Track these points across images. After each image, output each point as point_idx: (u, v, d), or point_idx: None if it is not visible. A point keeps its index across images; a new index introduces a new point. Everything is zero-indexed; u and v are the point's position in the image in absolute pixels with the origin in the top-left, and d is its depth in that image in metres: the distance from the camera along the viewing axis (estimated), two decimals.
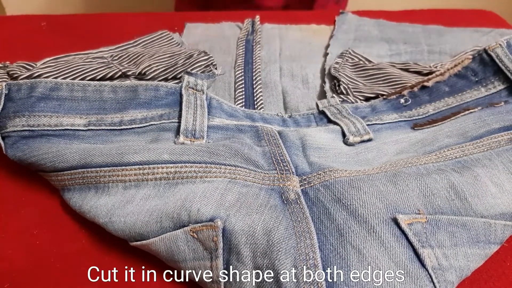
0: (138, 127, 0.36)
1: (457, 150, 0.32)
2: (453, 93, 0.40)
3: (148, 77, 0.44)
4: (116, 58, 0.47)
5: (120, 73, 0.43)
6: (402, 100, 0.41)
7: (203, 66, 0.44)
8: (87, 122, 0.35)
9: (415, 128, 0.38)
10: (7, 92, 0.34)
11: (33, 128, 0.34)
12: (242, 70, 0.48)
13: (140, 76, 0.44)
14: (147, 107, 0.36)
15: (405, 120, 0.39)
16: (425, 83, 0.41)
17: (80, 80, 0.42)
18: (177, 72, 0.44)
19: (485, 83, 0.39)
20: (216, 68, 0.45)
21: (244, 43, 0.53)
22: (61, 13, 0.61)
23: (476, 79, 0.40)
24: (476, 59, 0.40)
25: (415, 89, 0.41)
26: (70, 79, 0.41)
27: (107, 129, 0.35)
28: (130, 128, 0.36)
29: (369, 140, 0.37)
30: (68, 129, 0.35)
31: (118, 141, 0.35)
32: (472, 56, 0.40)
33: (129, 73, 0.44)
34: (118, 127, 0.36)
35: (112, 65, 0.45)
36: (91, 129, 0.35)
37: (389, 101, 0.41)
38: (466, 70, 0.40)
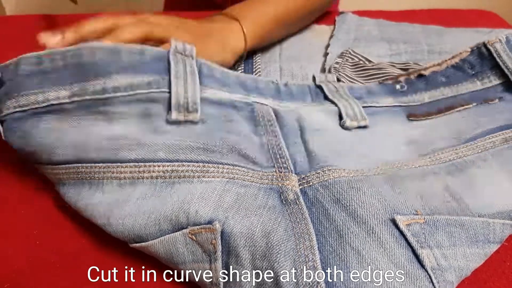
0: (123, 95, 0.33)
1: (451, 152, 0.33)
2: (449, 83, 0.40)
3: None
4: None
5: None
6: (398, 86, 0.40)
7: None
8: (70, 93, 0.32)
9: (411, 119, 0.38)
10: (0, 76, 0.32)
11: (24, 108, 0.32)
12: (242, 70, 0.48)
13: None
14: (132, 72, 0.33)
15: (400, 106, 0.39)
16: (422, 72, 0.40)
17: None
18: None
19: (481, 77, 0.39)
20: None
21: None
22: (61, 13, 0.61)
23: (473, 72, 0.40)
24: (474, 52, 0.40)
25: (412, 76, 0.41)
26: None
27: (91, 99, 0.32)
28: (115, 97, 0.32)
29: (365, 126, 0.36)
30: (53, 104, 0.32)
31: (105, 112, 0.33)
32: (471, 49, 0.40)
33: None
34: (102, 95, 0.32)
35: None
36: (75, 101, 0.32)
37: (384, 85, 0.41)
38: (464, 62, 0.40)
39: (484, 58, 0.39)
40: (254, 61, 0.49)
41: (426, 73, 0.40)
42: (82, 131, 0.32)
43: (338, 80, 0.44)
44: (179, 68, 0.34)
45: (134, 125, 0.33)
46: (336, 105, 0.38)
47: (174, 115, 0.32)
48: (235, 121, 0.34)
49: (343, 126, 0.36)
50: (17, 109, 0.32)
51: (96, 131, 0.32)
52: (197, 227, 0.27)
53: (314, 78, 0.41)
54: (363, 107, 0.38)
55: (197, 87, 0.33)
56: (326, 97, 0.39)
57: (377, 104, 0.39)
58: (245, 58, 0.48)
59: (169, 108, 0.32)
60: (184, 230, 0.27)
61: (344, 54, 0.50)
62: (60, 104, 0.32)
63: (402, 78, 0.41)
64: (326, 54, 0.51)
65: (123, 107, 0.32)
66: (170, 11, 0.75)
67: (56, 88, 0.32)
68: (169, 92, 0.33)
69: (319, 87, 0.40)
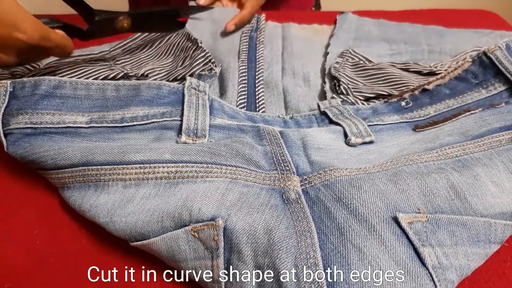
0: (139, 124, 0.36)
1: (458, 148, 0.33)
2: (454, 95, 0.40)
3: (150, 79, 0.44)
4: (119, 62, 0.47)
5: (122, 74, 0.43)
6: (403, 103, 0.41)
7: (202, 64, 0.44)
8: (89, 119, 0.35)
9: (417, 130, 0.38)
10: (11, 89, 0.34)
11: (35, 126, 0.34)
12: (246, 67, 0.48)
13: (143, 78, 0.44)
14: (149, 105, 0.36)
15: (406, 122, 0.40)
16: (426, 86, 0.41)
17: None
18: (178, 74, 0.44)
19: (485, 85, 0.40)
20: (215, 65, 0.45)
21: (247, 39, 0.53)
22: (61, 13, 0.61)
23: (477, 81, 0.40)
24: (476, 61, 0.40)
25: (416, 92, 0.41)
26: None
27: (109, 126, 0.35)
28: (131, 125, 0.35)
29: (371, 142, 0.37)
30: (70, 127, 0.34)
31: (120, 138, 0.35)
32: (472, 59, 0.40)
33: (131, 74, 0.44)
34: (120, 124, 0.35)
35: (115, 67, 0.45)
36: (93, 126, 0.35)
37: (390, 104, 0.41)
38: (466, 73, 0.40)
39: (486, 66, 0.40)
40: (257, 59, 0.49)
41: (430, 87, 0.41)
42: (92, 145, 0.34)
43: (339, 85, 0.44)
44: (192, 100, 0.37)
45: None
46: (341, 125, 0.38)
47: (183, 138, 0.34)
48: (240, 136, 0.36)
49: (348, 144, 0.36)
50: (29, 125, 0.34)
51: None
52: (200, 224, 0.27)
53: (319, 106, 0.41)
54: (369, 125, 0.38)
55: (207, 117, 0.36)
56: (331, 121, 0.40)
57: (382, 122, 0.39)
58: (248, 55, 0.49)
59: (179, 133, 0.34)
60: (187, 227, 0.27)
61: (344, 54, 0.50)
62: (76, 128, 0.35)
63: (406, 95, 0.41)
64: (326, 54, 0.51)
65: (138, 134, 0.35)
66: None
67: (73, 113, 0.35)
68: (181, 120, 0.35)
69: (324, 113, 0.40)
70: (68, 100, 0.35)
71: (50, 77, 0.35)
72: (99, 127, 0.35)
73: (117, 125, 0.35)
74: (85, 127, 0.35)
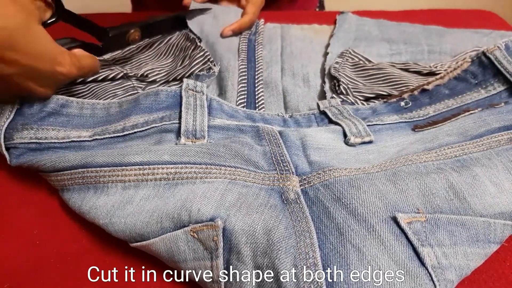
0: (140, 131, 0.36)
1: (457, 148, 0.33)
2: (453, 95, 0.40)
3: (150, 79, 0.44)
4: (118, 62, 0.47)
5: (121, 74, 0.43)
6: (402, 103, 0.41)
7: (201, 64, 0.44)
8: (92, 133, 0.36)
9: (416, 130, 0.38)
10: (19, 106, 0.35)
11: (40, 141, 0.34)
12: (245, 67, 0.48)
13: (142, 78, 0.44)
14: (149, 111, 0.37)
15: (405, 122, 0.40)
16: (425, 87, 0.41)
17: (80, 81, 0.42)
18: (177, 74, 0.44)
19: (485, 85, 0.40)
20: (214, 65, 0.45)
21: (246, 42, 0.53)
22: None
23: (476, 82, 0.40)
24: (475, 62, 0.40)
25: (415, 92, 0.41)
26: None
27: (111, 137, 0.36)
28: (132, 133, 0.36)
29: (370, 142, 0.37)
30: (74, 141, 0.35)
31: (122, 147, 0.35)
32: (471, 59, 0.40)
33: (131, 74, 0.44)
34: (121, 133, 0.36)
35: (114, 67, 0.45)
36: (96, 139, 0.35)
37: (389, 104, 0.41)
38: (466, 73, 0.40)
39: (486, 66, 0.40)
40: (256, 60, 0.49)
41: (429, 87, 0.41)
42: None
43: (339, 85, 0.44)
44: (189, 101, 0.37)
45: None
46: (340, 125, 0.38)
47: (182, 140, 0.34)
48: (240, 137, 0.36)
49: (347, 143, 0.36)
50: (33, 140, 0.34)
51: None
52: (199, 224, 0.27)
53: (318, 106, 0.41)
54: (368, 125, 0.38)
55: (205, 117, 0.36)
56: (330, 121, 0.40)
57: (382, 122, 0.39)
58: (247, 56, 0.48)
59: (179, 135, 0.35)
60: (186, 228, 0.27)
61: (344, 54, 0.50)
62: (80, 142, 0.35)
63: (406, 95, 0.41)
64: (326, 54, 0.51)
65: (140, 141, 0.36)
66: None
67: (78, 129, 0.36)
68: (180, 123, 0.36)
69: (324, 113, 0.41)
70: (74, 118, 0.36)
71: (58, 96, 0.36)
72: (102, 139, 0.36)
73: (119, 134, 0.36)
74: (88, 140, 0.35)
